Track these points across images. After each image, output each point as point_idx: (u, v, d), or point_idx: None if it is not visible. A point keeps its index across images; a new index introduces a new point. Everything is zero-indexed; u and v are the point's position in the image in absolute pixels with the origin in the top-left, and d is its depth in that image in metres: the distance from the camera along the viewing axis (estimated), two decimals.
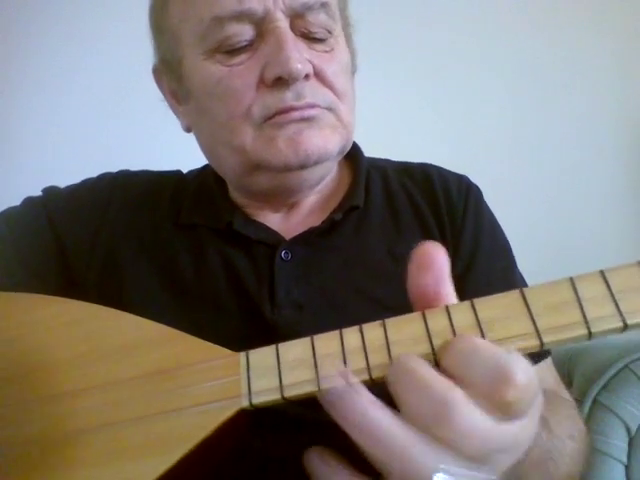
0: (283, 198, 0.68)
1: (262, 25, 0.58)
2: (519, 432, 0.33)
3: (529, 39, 1.49)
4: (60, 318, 0.49)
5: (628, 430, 0.83)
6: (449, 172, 0.76)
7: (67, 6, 1.30)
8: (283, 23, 0.58)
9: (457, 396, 0.31)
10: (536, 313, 0.33)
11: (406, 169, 0.76)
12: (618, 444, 0.82)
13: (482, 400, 0.32)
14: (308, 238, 0.66)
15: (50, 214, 0.71)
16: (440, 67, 1.49)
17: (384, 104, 1.41)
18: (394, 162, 0.79)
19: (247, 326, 0.62)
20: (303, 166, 0.60)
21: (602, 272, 0.32)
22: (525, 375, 0.31)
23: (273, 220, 0.69)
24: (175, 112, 0.71)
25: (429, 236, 0.68)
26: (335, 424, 0.57)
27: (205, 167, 0.78)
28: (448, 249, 0.66)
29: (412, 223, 0.69)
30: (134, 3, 0.69)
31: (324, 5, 0.61)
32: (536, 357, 0.64)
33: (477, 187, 0.75)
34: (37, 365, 0.47)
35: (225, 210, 0.69)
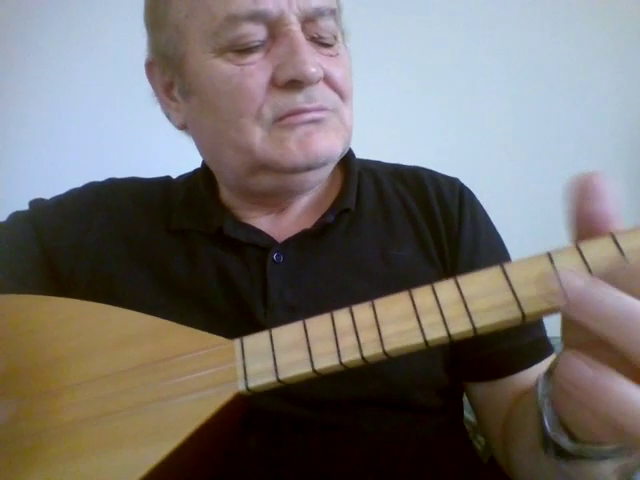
0: (280, 199, 0.70)
1: (275, 27, 0.60)
2: None
3: (528, 38, 1.52)
4: (55, 316, 0.51)
5: None
6: (441, 175, 0.78)
7: (66, 6, 1.32)
8: (296, 26, 0.60)
9: None
10: (516, 286, 0.35)
11: (398, 172, 0.78)
12: None
13: None
14: (300, 240, 0.68)
15: (37, 226, 0.73)
16: (437, 66, 1.52)
17: (378, 105, 1.44)
18: (385, 164, 0.81)
19: (239, 328, 0.62)
20: (310, 167, 0.62)
21: (577, 245, 0.35)
22: None
23: (264, 222, 0.71)
24: (166, 109, 0.71)
25: (421, 239, 0.70)
26: (334, 425, 0.59)
27: (194, 172, 0.80)
28: (443, 252, 0.69)
29: (404, 226, 0.71)
30: (132, 3, 0.70)
31: (333, 12, 0.63)
32: (540, 355, 0.67)
33: (469, 190, 0.77)
34: (34, 362, 0.49)
35: (215, 214, 0.70)
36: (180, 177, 0.82)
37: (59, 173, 1.15)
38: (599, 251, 0.35)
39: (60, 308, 0.51)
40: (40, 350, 0.49)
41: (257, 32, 0.60)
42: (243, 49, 0.60)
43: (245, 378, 0.42)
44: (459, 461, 0.67)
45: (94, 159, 1.29)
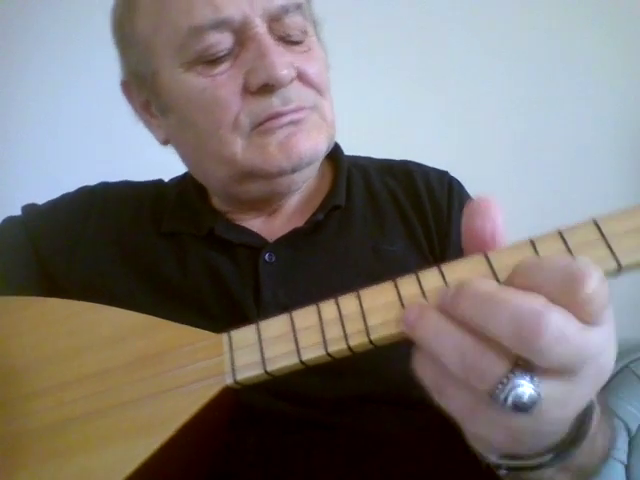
0: (270, 203, 0.70)
1: (241, 32, 0.60)
2: (602, 339, 0.34)
3: (529, 36, 1.52)
4: (45, 316, 0.51)
5: (628, 430, 0.84)
6: (430, 168, 0.78)
7: (68, 8, 1.33)
8: (262, 29, 0.60)
9: (543, 304, 0.31)
10: (500, 273, 0.35)
11: (387, 167, 0.79)
12: (618, 444, 0.83)
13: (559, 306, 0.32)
14: (291, 239, 0.68)
15: (30, 232, 0.73)
16: (439, 66, 1.52)
17: (379, 103, 1.45)
18: (376, 160, 0.82)
19: (233, 329, 0.64)
20: (295, 169, 0.62)
21: (560, 231, 0.35)
22: (596, 269, 0.32)
23: (256, 224, 0.72)
24: (148, 125, 0.72)
25: (412, 233, 0.70)
26: (332, 424, 0.59)
27: (185, 174, 0.80)
28: (433, 245, 0.69)
29: (395, 220, 0.72)
30: None
31: (299, 7, 0.63)
32: None
33: (458, 181, 0.77)
34: (23, 363, 0.49)
35: (206, 217, 0.71)
36: (172, 180, 0.83)
37: (60, 173, 1.15)
38: (582, 236, 0.35)
39: (50, 309, 0.52)
40: (30, 351, 0.50)
41: (223, 40, 0.59)
42: (211, 60, 0.60)
43: (233, 371, 0.42)
44: (458, 459, 0.67)
45: (95, 160, 1.30)
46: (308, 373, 0.58)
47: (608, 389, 0.88)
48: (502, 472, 0.41)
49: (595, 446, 0.43)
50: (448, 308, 0.35)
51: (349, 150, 0.81)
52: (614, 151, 1.50)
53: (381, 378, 0.61)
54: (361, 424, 0.61)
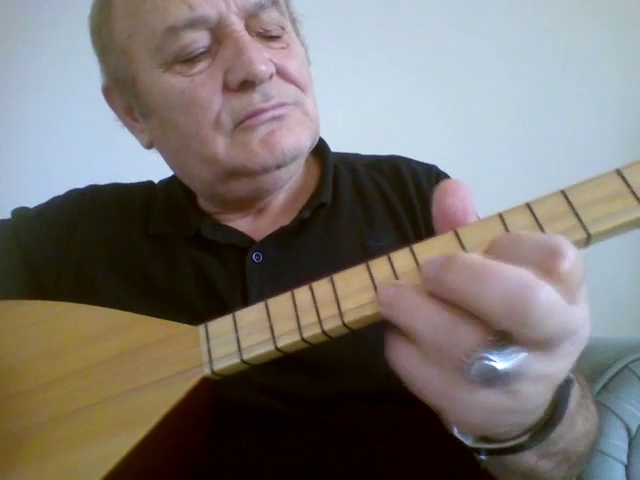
0: (256, 201, 0.71)
1: (218, 30, 0.60)
2: (583, 315, 0.35)
3: (528, 35, 1.53)
4: (27, 318, 0.52)
5: (628, 430, 0.83)
6: (418, 163, 0.79)
7: (68, 10, 1.34)
8: (239, 26, 0.60)
9: (532, 276, 0.32)
10: (470, 249, 0.35)
11: (375, 163, 0.79)
12: (618, 444, 0.82)
13: None
14: (278, 238, 0.68)
15: (18, 236, 0.74)
16: (439, 65, 1.53)
17: (373, 101, 1.45)
18: (363, 156, 0.82)
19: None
20: (279, 165, 0.62)
21: (528, 204, 0.35)
22: (572, 246, 0.33)
23: (242, 224, 0.72)
24: (132, 130, 0.73)
25: (400, 228, 0.71)
26: (326, 423, 0.59)
27: (174, 176, 0.81)
28: (421, 239, 0.69)
29: (383, 216, 0.72)
30: None
31: (275, 2, 0.64)
32: None
33: (447, 175, 0.77)
34: (8, 365, 0.50)
35: (193, 218, 0.71)
36: (162, 182, 0.83)
37: (60, 174, 1.16)
38: (550, 208, 0.35)
39: (32, 310, 0.52)
40: (12, 352, 0.50)
41: (200, 39, 0.60)
42: (189, 59, 0.60)
43: (210, 362, 0.43)
44: (455, 455, 0.66)
45: (95, 161, 1.30)
46: (299, 371, 0.58)
47: (608, 389, 0.87)
48: (482, 458, 0.41)
49: (576, 430, 0.42)
50: (433, 282, 0.34)
51: (346, 148, 0.82)
52: (614, 151, 1.50)
53: (370, 374, 0.61)
54: (355, 422, 0.61)
